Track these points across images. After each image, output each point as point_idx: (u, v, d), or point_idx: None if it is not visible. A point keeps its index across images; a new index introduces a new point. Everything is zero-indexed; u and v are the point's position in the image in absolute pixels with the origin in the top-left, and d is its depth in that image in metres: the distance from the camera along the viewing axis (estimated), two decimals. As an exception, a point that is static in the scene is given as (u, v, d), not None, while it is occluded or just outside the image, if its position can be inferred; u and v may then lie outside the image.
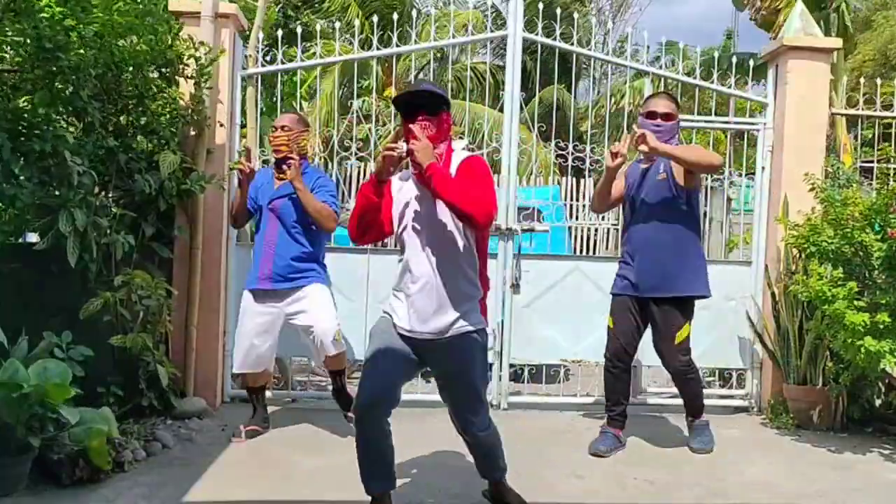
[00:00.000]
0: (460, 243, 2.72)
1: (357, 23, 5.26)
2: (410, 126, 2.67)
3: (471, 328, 2.75)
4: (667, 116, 3.93)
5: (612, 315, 4.05)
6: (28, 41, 3.60)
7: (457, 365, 2.79)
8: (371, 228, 2.78)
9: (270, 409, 4.70)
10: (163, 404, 4.18)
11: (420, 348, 2.76)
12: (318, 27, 5.24)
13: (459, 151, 2.82)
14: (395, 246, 2.90)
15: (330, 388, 4.29)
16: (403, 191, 2.82)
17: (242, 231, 4.94)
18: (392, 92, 7.31)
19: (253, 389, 4.24)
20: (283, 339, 4.80)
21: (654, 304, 3.92)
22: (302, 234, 4.00)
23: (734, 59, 5.31)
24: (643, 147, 3.70)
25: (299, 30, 4.99)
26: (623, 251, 4.12)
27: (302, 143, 4.07)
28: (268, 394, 4.87)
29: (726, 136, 5.20)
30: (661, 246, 3.89)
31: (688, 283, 3.90)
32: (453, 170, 2.73)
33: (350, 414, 3.85)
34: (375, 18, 5.23)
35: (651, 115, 3.94)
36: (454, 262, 2.72)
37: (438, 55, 11.39)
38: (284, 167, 3.96)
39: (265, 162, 5.43)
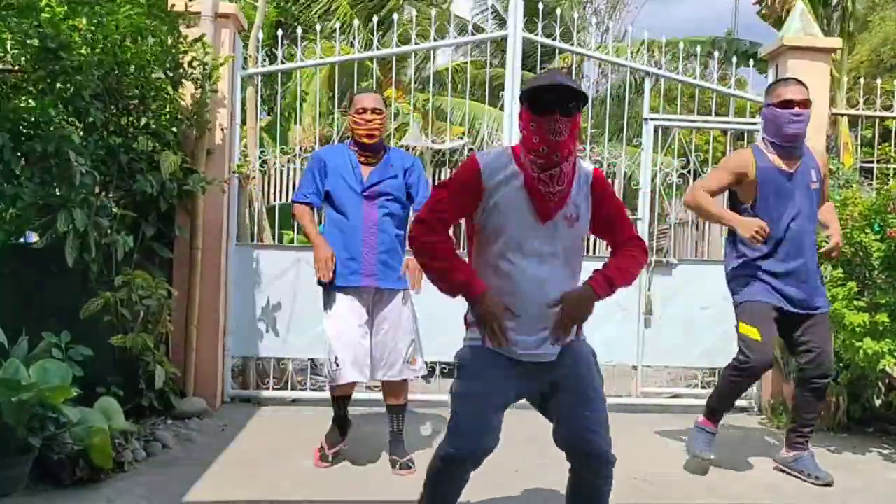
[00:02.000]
0: None
1: (356, 23, 5.26)
2: None
3: None
4: (804, 103, 3.51)
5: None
6: (31, 41, 3.60)
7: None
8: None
9: (271, 408, 4.71)
10: (163, 404, 4.18)
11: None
12: (318, 27, 5.24)
13: (579, 160, 2.41)
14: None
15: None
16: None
17: (243, 231, 4.94)
18: (392, 92, 7.30)
19: (345, 399, 3.76)
20: (279, 338, 4.82)
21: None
22: (400, 229, 3.64)
23: (734, 60, 5.31)
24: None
25: (299, 30, 5.00)
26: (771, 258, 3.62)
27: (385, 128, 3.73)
28: (266, 394, 4.89)
29: (726, 136, 5.19)
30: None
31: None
32: (584, 186, 2.36)
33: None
34: (375, 19, 5.23)
35: (787, 103, 3.51)
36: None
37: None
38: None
39: (263, 163, 5.41)
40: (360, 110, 3.56)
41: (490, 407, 2.30)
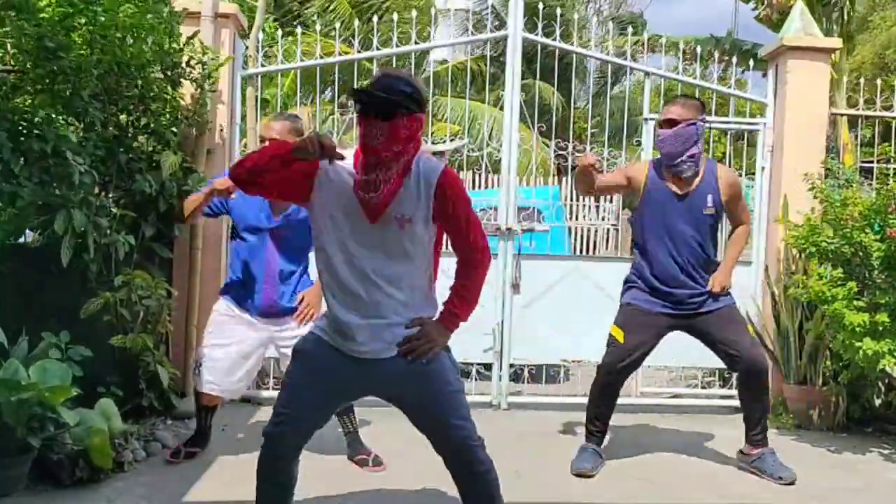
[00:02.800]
0: None
1: (357, 23, 5.25)
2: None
3: None
4: (670, 122, 3.60)
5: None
6: (29, 40, 3.60)
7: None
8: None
9: (271, 408, 4.68)
10: (163, 404, 4.18)
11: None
12: (317, 27, 5.24)
13: (427, 161, 2.33)
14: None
15: None
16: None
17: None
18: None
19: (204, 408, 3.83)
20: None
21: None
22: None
23: (734, 60, 5.31)
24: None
25: (299, 30, 4.99)
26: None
27: None
28: (266, 393, 4.88)
29: (726, 136, 5.19)
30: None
31: None
32: (422, 189, 2.28)
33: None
34: (375, 19, 5.23)
35: (667, 123, 3.62)
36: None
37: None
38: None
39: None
40: (261, 139, 3.60)
41: (309, 392, 2.38)
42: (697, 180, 3.65)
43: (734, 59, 5.33)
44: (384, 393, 2.44)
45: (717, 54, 5.19)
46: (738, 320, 3.73)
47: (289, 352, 2.61)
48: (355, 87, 2.26)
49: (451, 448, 2.39)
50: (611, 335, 3.72)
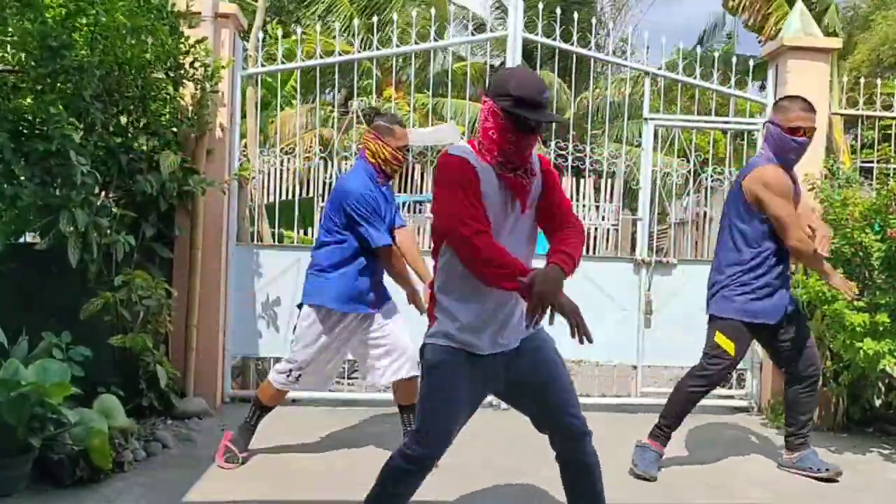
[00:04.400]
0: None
1: (356, 22, 5.25)
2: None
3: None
4: (810, 132, 3.53)
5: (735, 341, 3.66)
6: (32, 40, 3.60)
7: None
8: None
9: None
10: (163, 404, 4.18)
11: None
12: (317, 27, 5.24)
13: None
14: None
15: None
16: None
17: (243, 231, 4.94)
18: (392, 92, 7.31)
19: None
20: (279, 338, 4.82)
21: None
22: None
23: (734, 60, 5.30)
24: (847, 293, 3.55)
25: (299, 30, 5.00)
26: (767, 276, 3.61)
27: None
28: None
29: (726, 136, 5.19)
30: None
31: None
32: (538, 176, 2.40)
33: None
34: (375, 19, 5.23)
35: (794, 131, 3.50)
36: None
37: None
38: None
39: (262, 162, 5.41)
40: (405, 148, 3.58)
41: (459, 409, 2.36)
42: None
43: (734, 60, 5.31)
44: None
45: (716, 55, 5.18)
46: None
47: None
48: (530, 118, 2.24)
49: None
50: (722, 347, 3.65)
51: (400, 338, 3.61)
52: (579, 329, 2.16)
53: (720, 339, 3.63)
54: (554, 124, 5.51)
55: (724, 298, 3.64)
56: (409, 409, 3.64)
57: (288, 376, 3.57)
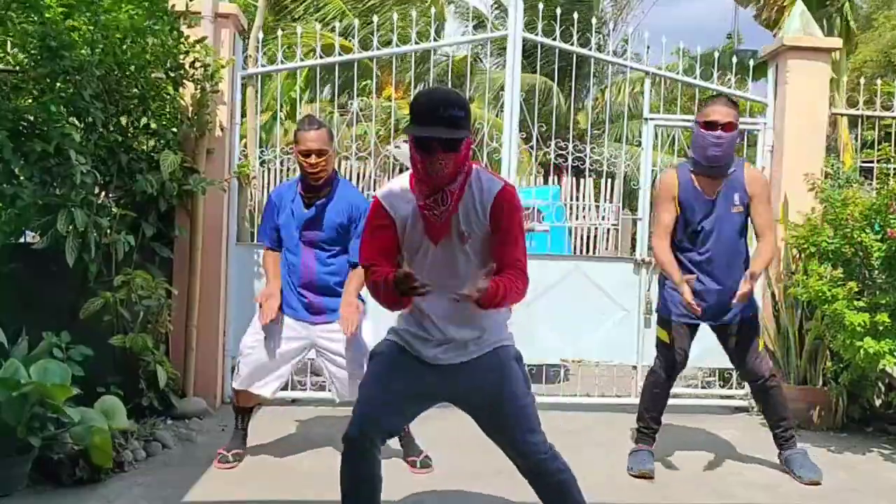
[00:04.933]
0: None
1: (357, 22, 5.25)
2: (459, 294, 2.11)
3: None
4: (728, 126, 3.48)
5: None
6: (33, 39, 3.60)
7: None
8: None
9: (271, 408, 4.71)
10: (163, 404, 4.18)
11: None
12: (317, 27, 5.24)
13: (486, 177, 2.34)
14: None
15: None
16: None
17: (243, 231, 4.95)
18: (391, 92, 7.30)
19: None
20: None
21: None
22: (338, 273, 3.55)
23: (734, 60, 5.31)
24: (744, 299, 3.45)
25: (299, 30, 5.00)
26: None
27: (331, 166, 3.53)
28: (267, 394, 4.88)
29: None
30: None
31: None
32: (480, 206, 2.30)
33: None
34: (375, 18, 5.23)
35: (711, 125, 3.49)
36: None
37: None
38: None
39: (262, 163, 5.42)
40: (305, 152, 3.37)
41: (390, 398, 2.38)
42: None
43: (733, 60, 5.31)
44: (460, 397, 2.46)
45: (717, 54, 5.18)
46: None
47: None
48: (412, 131, 2.20)
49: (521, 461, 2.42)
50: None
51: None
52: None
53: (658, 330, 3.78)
54: (555, 126, 5.51)
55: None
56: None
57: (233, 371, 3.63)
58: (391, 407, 2.41)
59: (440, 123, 2.15)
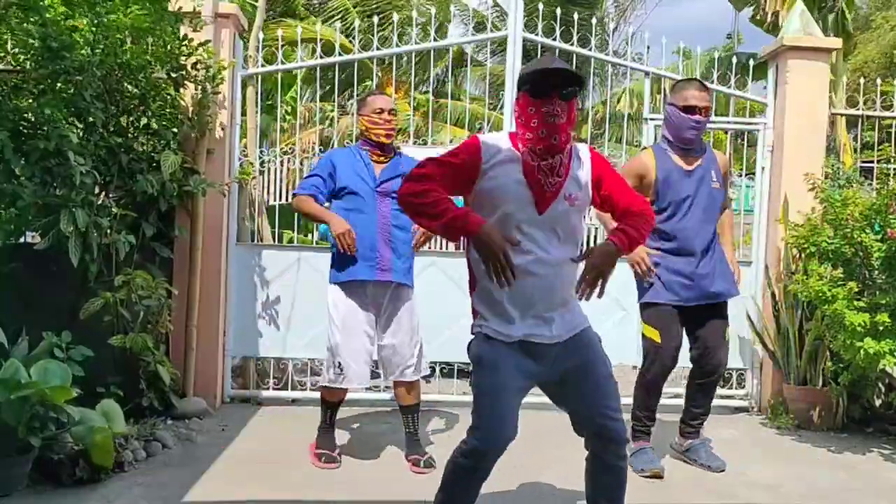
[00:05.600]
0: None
1: (357, 23, 5.25)
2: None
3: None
4: (705, 111, 3.60)
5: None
6: (34, 40, 3.61)
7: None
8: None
9: (271, 408, 4.71)
10: (163, 404, 4.18)
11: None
12: (317, 27, 5.24)
13: (575, 144, 2.44)
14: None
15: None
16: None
17: (243, 231, 4.94)
18: (392, 92, 7.30)
19: (340, 403, 3.76)
20: (279, 338, 4.82)
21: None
22: (408, 228, 3.61)
23: (734, 60, 5.31)
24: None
25: (299, 30, 5.00)
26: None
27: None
28: (266, 394, 4.88)
29: (726, 136, 5.19)
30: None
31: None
32: (586, 165, 2.40)
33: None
34: (376, 19, 5.23)
35: (689, 109, 3.58)
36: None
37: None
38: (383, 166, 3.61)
39: (262, 163, 5.41)
40: (378, 110, 3.58)
41: (508, 396, 2.33)
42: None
43: (733, 61, 5.31)
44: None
45: (717, 54, 5.19)
46: None
47: None
48: (539, 68, 2.28)
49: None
50: None
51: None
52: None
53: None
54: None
55: None
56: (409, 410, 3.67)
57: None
58: (515, 412, 2.36)
59: (559, 73, 2.25)
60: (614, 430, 2.39)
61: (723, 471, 3.68)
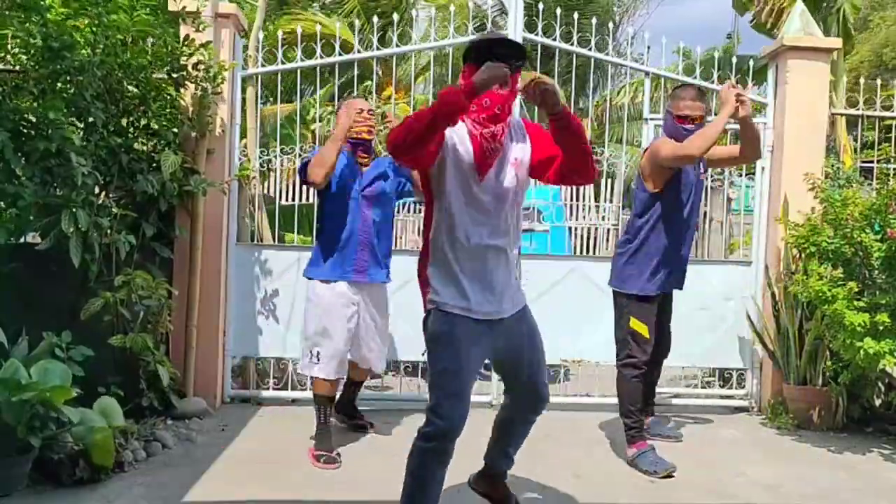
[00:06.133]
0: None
1: (357, 23, 5.25)
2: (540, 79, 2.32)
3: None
4: (699, 119, 3.75)
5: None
6: (34, 40, 3.60)
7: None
8: (418, 149, 2.33)
9: (271, 408, 4.71)
10: (163, 404, 4.18)
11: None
12: (317, 27, 5.24)
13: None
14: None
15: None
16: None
17: (243, 231, 4.94)
18: (392, 92, 7.30)
19: (331, 399, 3.90)
20: (279, 338, 4.82)
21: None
22: (390, 227, 3.99)
23: (734, 60, 5.30)
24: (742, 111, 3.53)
25: (299, 30, 4.99)
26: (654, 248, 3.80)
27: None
28: (266, 394, 4.89)
29: (726, 136, 5.19)
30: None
31: None
32: (519, 135, 2.55)
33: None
34: (375, 19, 5.23)
35: (684, 118, 3.74)
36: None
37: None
38: (360, 151, 3.84)
39: (263, 165, 5.41)
40: (358, 110, 3.80)
41: (467, 374, 2.46)
42: None
43: (734, 60, 5.31)
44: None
45: (717, 55, 5.19)
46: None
47: None
48: (488, 38, 2.46)
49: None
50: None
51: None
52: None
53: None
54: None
55: None
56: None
57: None
58: (469, 389, 2.49)
59: (503, 44, 2.44)
60: (547, 391, 2.72)
61: (672, 473, 3.62)
